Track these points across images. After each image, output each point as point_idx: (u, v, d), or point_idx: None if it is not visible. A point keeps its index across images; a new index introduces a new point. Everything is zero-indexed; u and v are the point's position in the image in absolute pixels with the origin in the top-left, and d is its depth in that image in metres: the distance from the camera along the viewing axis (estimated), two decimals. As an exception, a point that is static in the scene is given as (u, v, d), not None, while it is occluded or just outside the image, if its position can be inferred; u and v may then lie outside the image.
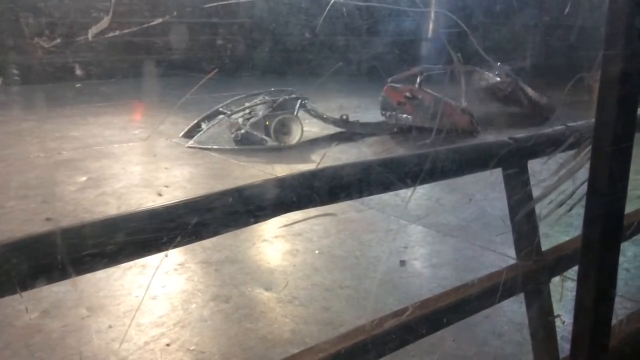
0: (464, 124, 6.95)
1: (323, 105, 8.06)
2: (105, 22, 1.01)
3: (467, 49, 1.43)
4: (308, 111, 7.22)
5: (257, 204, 1.04)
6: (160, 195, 4.90)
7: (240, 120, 6.71)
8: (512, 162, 1.56)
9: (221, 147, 6.50)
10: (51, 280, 0.83)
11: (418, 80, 7.46)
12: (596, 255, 1.50)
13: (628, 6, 1.35)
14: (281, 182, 1.09)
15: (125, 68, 8.70)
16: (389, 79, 7.57)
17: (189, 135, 6.89)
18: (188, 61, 9.07)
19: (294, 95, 7.21)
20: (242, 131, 6.57)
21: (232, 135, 6.59)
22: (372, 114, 7.83)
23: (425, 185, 5.05)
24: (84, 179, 5.27)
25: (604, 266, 1.51)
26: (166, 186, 5.21)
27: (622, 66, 1.39)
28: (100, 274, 3.37)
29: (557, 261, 1.70)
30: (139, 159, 6.12)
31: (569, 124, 1.64)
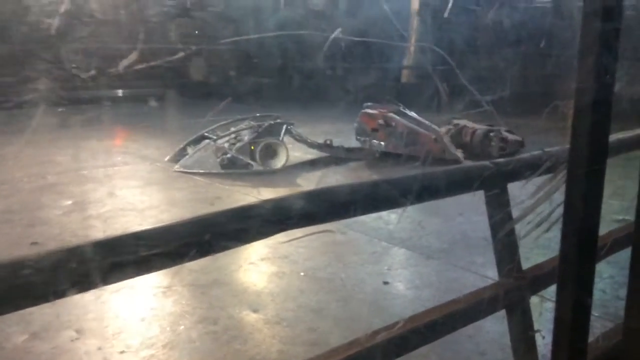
0: (437, 152, 7.06)
1: (313, 129, 8.24)
2: (133, 55, 1.09)
3: (452, 79, 1.54)
4: (293, 136, 7.34)
5: (286, 215, 1.12)
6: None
7: (225, 145, 6.79)
8: (493, 185, 1.66)
9: (207, 171, 6.57)
10: (83, 289, 0.91)
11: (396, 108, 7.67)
12: (573, 272, 1.60)
13: (597, 42, 1.47)
14: (307, 195, 1.19)
15: (147, 94, 9.32)
16: (364, 105, 7.79)
17: (174, 160, 6.95)
18: (204, 89, 9.71)
19: (279, 120, 7.33)
20: (228, 155, 6.65)
21: (218, 160, 6.67)
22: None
23: (408, 209, 5.15)
24: (69, 202, 5.29)
25: (581, 283, 1.61)
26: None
27: (593, 96, 1.50)
28: (89, 296, 3.40)
29: (537, 278, 1.79)
30: (124, 183, 6.15)
31: (546, 149, 1.75)
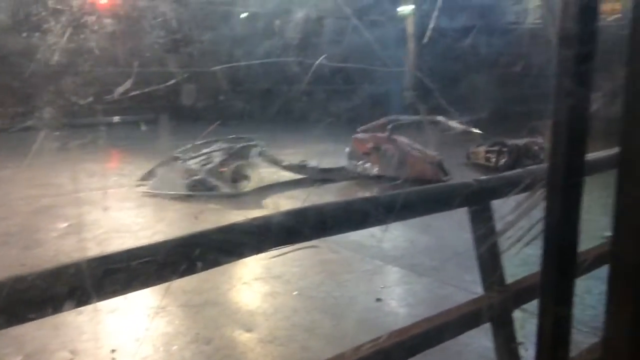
0: (429, 174, 7.00)
1: (295, 150, 8.30)
2: (128, 83, 1.16)
3: (434, 102, 1.62)
4: (265, 158, 7.28)
5: (270, 233, 1.18)
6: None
7: (195, 167, 6.71)
8: (476, 201, 1.73)
9: (176, 192, 6.47)
10: (78, 305, 0.95)
11: (388, 129, 7.73)
12: (554, 286, 1.65)
13: (573, 63, 1.54)
14: (290, 214, 1.24)
15: (142, 119, 9.75)
16: (358, 129, 7.92)
17: (145, 179, 6.93)
18: (195, 113, 10.11)
19: (252, 143, 7.27)
20: (197, 177, 6.59)
21: (186, 181, 6.59)
22: (339, 159, 8.02)
23: (400, 228, 5.19)
24: (64, 225, 5.32)
25: (561, 297, 1.66)
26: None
27: (570, 115, 1.57)
28: (83, 317, 3.43)
29: (520, 292, 1.85)
30: (118, 205, 6.19)
31: (526, 167, 1.81)
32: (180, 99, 9.96)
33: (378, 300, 3.92)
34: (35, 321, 1.04)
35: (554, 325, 1.67)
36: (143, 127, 8.97)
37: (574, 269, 1.69)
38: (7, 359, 3.01)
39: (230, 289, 4.10)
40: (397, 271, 4.52)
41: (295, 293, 4.04)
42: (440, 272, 4.43)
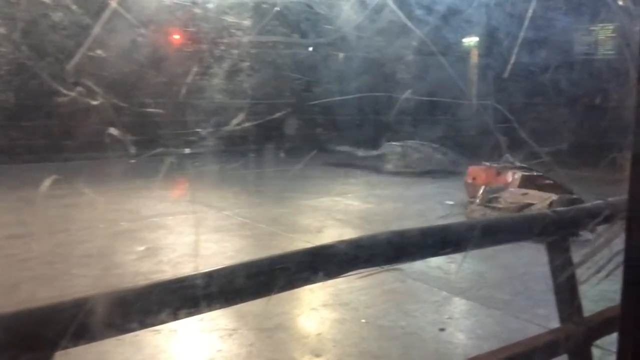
0: None
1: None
2: (240, 117, 1.30)
3: (512, 134, 1.67)
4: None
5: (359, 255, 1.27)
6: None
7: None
8: (554, 232, 1.74)
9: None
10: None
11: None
12: (634, 320, 1.64)
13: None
14: (373, 238, 1.32)
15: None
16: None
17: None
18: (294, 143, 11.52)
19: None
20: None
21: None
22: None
23: (469, 260, 5.14)
24: (141, 248, 5.57)
25: (642, 330, 1.64)
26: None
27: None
28: (160, 336, 3.58)
29: (599, 325, 1.83)
30: (191, 230, 6.42)
31: (607, 199, 1.81)
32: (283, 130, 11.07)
33: (441, 330, 3.91)
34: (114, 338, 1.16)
35: (633, 359, 1.66)
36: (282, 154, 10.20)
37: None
38: None
39: (299, 314, 4.17)
40: (466, 303, 4.48)
41: (363, 321, 4.07)
42: (511, 306, 4.36)
